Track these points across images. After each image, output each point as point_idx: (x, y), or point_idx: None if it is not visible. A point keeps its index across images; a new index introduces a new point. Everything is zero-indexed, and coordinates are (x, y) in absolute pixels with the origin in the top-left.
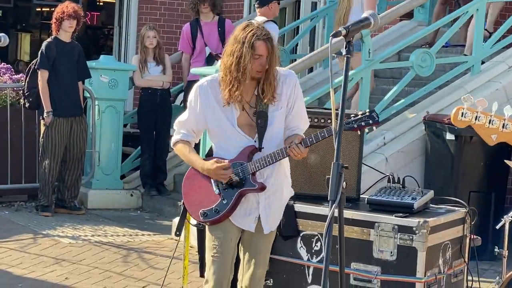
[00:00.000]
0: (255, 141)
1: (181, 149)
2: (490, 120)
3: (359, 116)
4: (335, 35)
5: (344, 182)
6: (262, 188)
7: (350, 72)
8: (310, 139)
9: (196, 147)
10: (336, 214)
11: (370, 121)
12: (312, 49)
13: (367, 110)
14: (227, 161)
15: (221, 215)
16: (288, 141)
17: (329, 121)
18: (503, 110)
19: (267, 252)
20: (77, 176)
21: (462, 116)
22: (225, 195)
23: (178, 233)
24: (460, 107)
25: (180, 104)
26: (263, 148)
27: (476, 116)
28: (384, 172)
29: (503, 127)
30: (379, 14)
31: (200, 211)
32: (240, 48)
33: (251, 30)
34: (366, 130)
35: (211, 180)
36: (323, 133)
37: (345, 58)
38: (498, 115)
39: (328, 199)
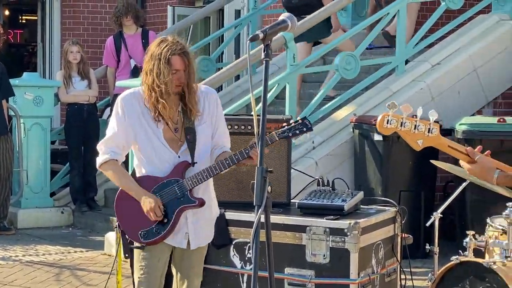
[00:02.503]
0: (179, 156)
1: (113, 170)
2: (415, 126)
3: (292, 125)
4: (252, 39)
5: (269, 187)
6: (202, 203)
7: (277, 78)
8: (252, 147)
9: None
10: (263, 219)
11: (304, 129)
12: (237, 57)
13: (299, 118)
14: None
15: (163, 234)
16: (221, 158)
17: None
18: (429, 110)
19: (200, 264)
20: (6, 196)
21: (387, 123)
22: (163, 215)
23: (127, 255)
24: (386, 114)
25: (108, 118)
26: (196, 163)
27: (402, 123)
28: (314, 176)
29: (428, 131)
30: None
31: (140, 232)
32: (157, 64)
33: (166, 46)
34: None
35: None
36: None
37: (264, 62)
38: (423, 120)
39: (254, 204)
